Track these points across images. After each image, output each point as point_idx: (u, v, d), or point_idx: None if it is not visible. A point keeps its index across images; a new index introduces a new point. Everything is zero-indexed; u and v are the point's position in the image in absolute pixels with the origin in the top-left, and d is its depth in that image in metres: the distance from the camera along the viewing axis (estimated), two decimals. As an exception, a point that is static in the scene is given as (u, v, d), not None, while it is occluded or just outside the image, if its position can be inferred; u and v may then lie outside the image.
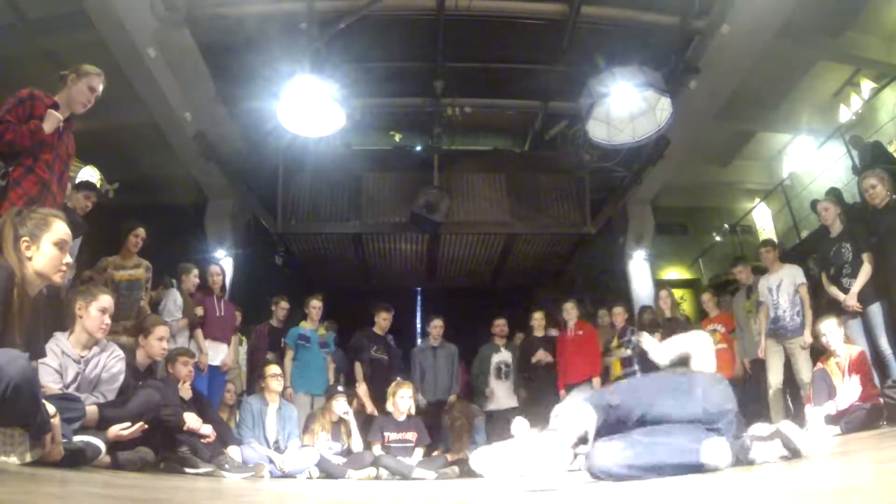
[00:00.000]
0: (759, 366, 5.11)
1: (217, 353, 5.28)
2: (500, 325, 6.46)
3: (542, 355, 6.06)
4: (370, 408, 5.47)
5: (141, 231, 4.66)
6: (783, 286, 4.98)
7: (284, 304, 6.24)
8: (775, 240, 9.57)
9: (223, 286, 5.61)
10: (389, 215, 7.94)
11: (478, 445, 5.69)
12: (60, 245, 2.11)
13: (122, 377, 3.02)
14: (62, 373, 2.73)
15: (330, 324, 6.64)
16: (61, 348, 2.77)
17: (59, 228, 2.13)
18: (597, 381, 5.51)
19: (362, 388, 5.66)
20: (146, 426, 2.82)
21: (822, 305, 4.98)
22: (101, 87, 3.14)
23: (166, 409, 3.11)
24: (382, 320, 6.08)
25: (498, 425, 5.95)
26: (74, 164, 4.07)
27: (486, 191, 8.06)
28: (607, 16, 5.87)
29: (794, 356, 4.84)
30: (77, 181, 5.28)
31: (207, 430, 3.64)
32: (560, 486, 1.75)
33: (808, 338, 4.73)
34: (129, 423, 2.69)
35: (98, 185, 6.11)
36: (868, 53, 7.68)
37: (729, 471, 1.82)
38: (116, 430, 2.64)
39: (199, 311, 5.20)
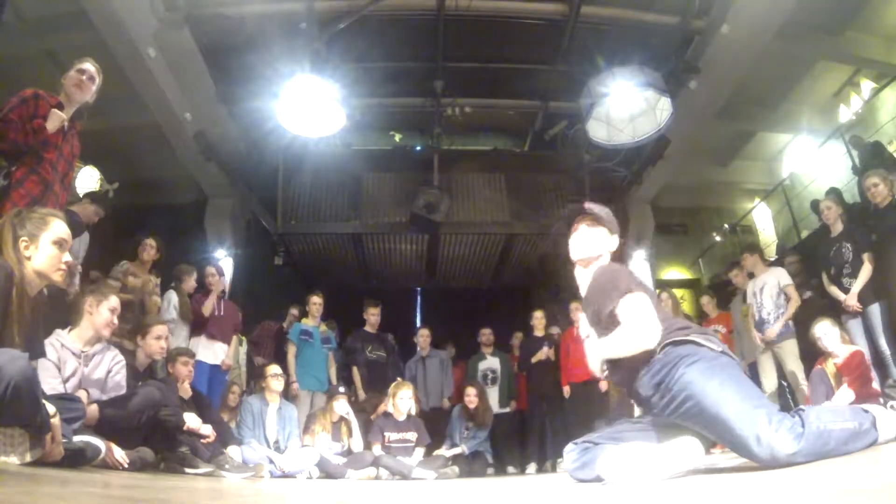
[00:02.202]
0: (756, 368, 5.12)
1: (217, 353, 5.29)
2: (486, 333, 6.58)
3: (543, 354, 6.06)
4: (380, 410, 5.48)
5: (149, 241, 4.74)
6: (766, 289, 4.98)
7: (295, 312, 6.33)
8: (775, 240, 9.62)
9: (222, 286, 5.62)
10: (389, 215, 7.94)
11: (478, 439, 5.69)
12: (59, 244, 2.11)
13: (125, 383, 3.04)
14: (60, 367, 2.73)
15: (330, 324, 6.65)
16: (61, 342, 2.78)
17: (58, 227, 2.13)
18: (604, 384, 5.52)
19: (362, 397, 5.67)
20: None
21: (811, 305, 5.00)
22: (90, 67, 3.14)
23: (166, 408, 3.11)
24: (371, 316, 6.10)
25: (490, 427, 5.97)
26: (75, 164, 4.08)
27: (486, 191, 8.06)
28: (607, 16, 5.87)
29: (783, 360, 4.84)
30: (88, 190, 5.31)
31: (207, 430, 3.64)
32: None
33: (776, 328, 4.79)
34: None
35: (98, 187, 6.13)
36: (868, 53, 7.67)
37: (727, 473, 1.82)
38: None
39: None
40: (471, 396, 5.65)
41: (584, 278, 2.23)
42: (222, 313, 5.46)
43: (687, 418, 1.77)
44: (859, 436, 1.59)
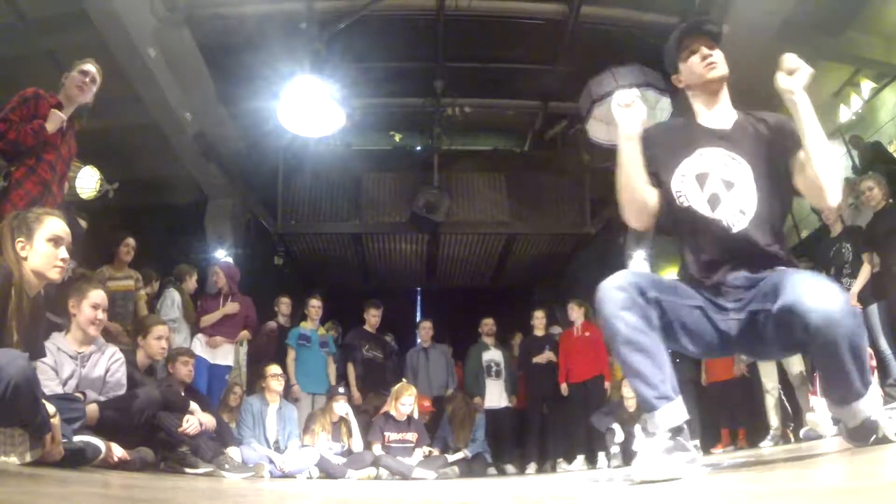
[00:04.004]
0: (757, 368, 5.12)
1: (222, 352, 5.28)
2: (489, 324, 6.50)
3: (545, 358, 6.05)
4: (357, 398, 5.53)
5: (131, 241, 4.67)
6: None
7: (286, 300, 6.28)
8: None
9: (229, 286, 5.60)
10: (389, 215, 7.94)
11: (477, 441, 5.71)
12: (54, 241, 2.11)
13: (125, 381, 3.03)
14: (57, 370, 2.73)
15: (333, 325, 6.64)
16: (57, 346, 2.77)
17: (52, 224, 2.12)
18: (607, 384, 5.52)
19: (356, 396, 5.69)
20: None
21: None
22: (92, 69, 3.13)
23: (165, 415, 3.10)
24: (372, 317, 6.13)
25: (490, 424, 5.96)
26: (74, 164, 4.08)
27: (486, 191, 8.06)
28: (607, 16, 5.87)
29: (787, 360, 4.83)
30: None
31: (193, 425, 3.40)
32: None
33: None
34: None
35: (98, 187, 6.12)
36: (868, 53, 7.66)
37: (729, 472, 1.81)
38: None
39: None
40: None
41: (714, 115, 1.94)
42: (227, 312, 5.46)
43: (781, 327, 1.51)
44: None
